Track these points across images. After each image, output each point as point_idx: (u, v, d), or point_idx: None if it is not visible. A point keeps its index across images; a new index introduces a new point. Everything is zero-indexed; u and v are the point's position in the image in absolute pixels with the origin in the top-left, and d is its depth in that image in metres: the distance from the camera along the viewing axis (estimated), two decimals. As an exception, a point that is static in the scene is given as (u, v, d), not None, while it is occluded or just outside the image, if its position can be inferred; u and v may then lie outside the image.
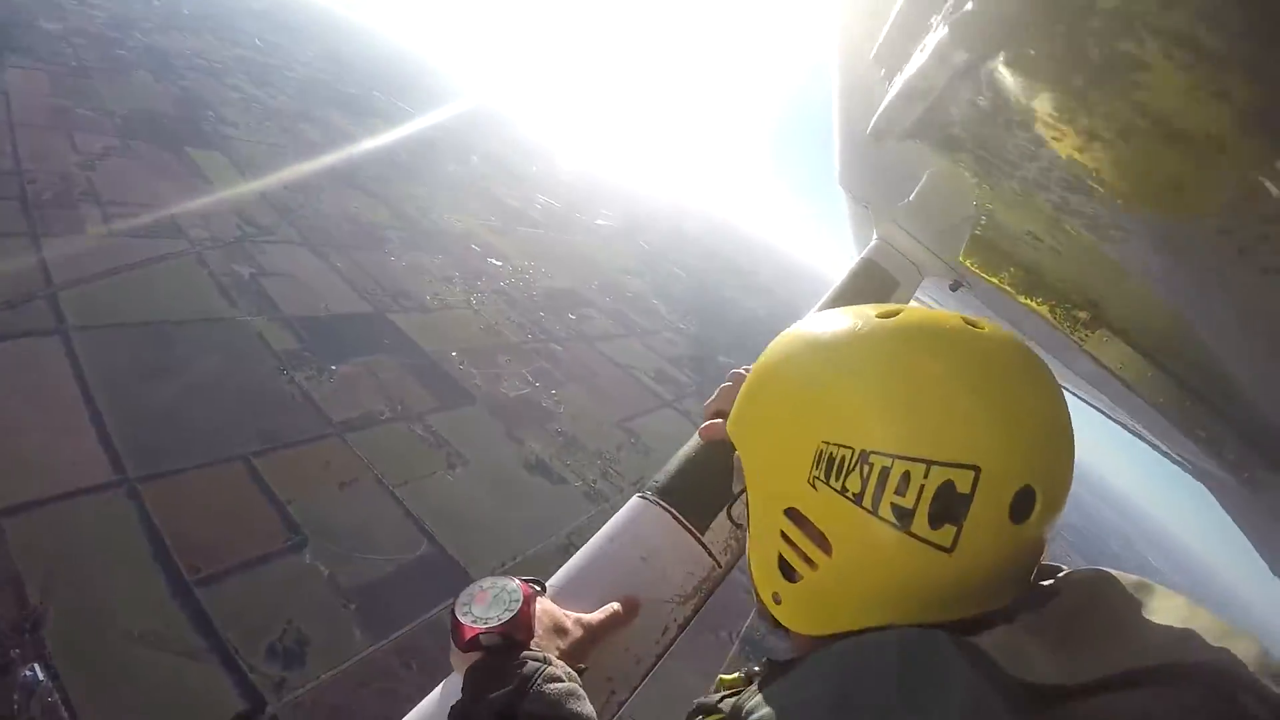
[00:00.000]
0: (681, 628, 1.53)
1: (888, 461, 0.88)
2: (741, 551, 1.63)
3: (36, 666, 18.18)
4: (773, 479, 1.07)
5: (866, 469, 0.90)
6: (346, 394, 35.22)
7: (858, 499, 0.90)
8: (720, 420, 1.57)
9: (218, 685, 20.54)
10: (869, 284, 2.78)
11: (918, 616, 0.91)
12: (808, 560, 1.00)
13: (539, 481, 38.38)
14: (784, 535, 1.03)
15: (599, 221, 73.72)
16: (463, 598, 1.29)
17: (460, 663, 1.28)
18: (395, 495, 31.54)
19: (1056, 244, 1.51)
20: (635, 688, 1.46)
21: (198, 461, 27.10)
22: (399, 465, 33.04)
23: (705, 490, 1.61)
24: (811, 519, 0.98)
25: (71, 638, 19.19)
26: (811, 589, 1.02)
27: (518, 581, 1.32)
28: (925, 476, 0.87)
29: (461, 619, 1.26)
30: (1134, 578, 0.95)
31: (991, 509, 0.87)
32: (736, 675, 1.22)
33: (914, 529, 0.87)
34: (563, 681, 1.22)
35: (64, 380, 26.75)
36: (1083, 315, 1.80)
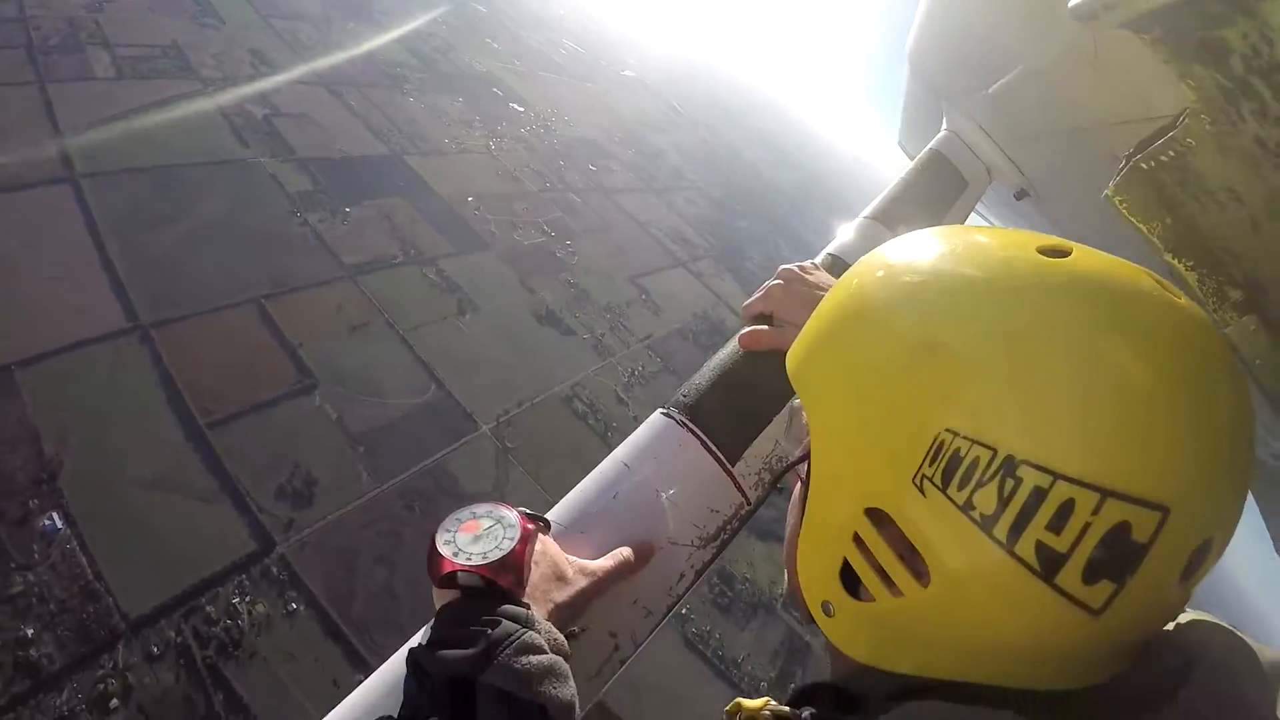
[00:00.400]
0: (699, 574, 1.30)
1: (1045, 480, 0.66)
2: (774, 486, 1.39)
3: (55, 515, 18.89)
4: (855, 462, 0.82)
5: (1010, 484, 0.67)
6: (359, 237, 35.15)
7: (986, 522, 0.68)
8: (764, 329, 1.42)
9: (229, 527, 21.44)
10: (938, 181, 2.44)
11: (1013, 680, 0.75)
12: (887, 581, 0.79)
13: (548, 331, 38.61)
14: (858, 540, 0.81)
15: (625, 72, 71.62)
16: (448, 523, 1.08)
17: (436, 599, 1.07)
18: (405, 340, 31.84)
19: (1259, 214, 1.22)
20: (641, 643, 1.24)
21: (210, 305, 27.35)
22: (410, 309, 33.20)
23: (741, 412, 1.37)
24: (906, 532, 0.75)
25: (88, 486, 19.94)
26: (884, 617, 0.81)
27: (517, 514, 1.12)
28: (1095, 512, 0.65)
29: (441, 549, 1.04)
30: (1271, 652, 0.78)
31: (1166, 565, 0.68)
32: (765, 700, 0.93)
33: (1061, 581, 0.67)
34: (542, 653, 0.98)
35: (74, 228, 26.77)
36: (1235, 295, 1.47)
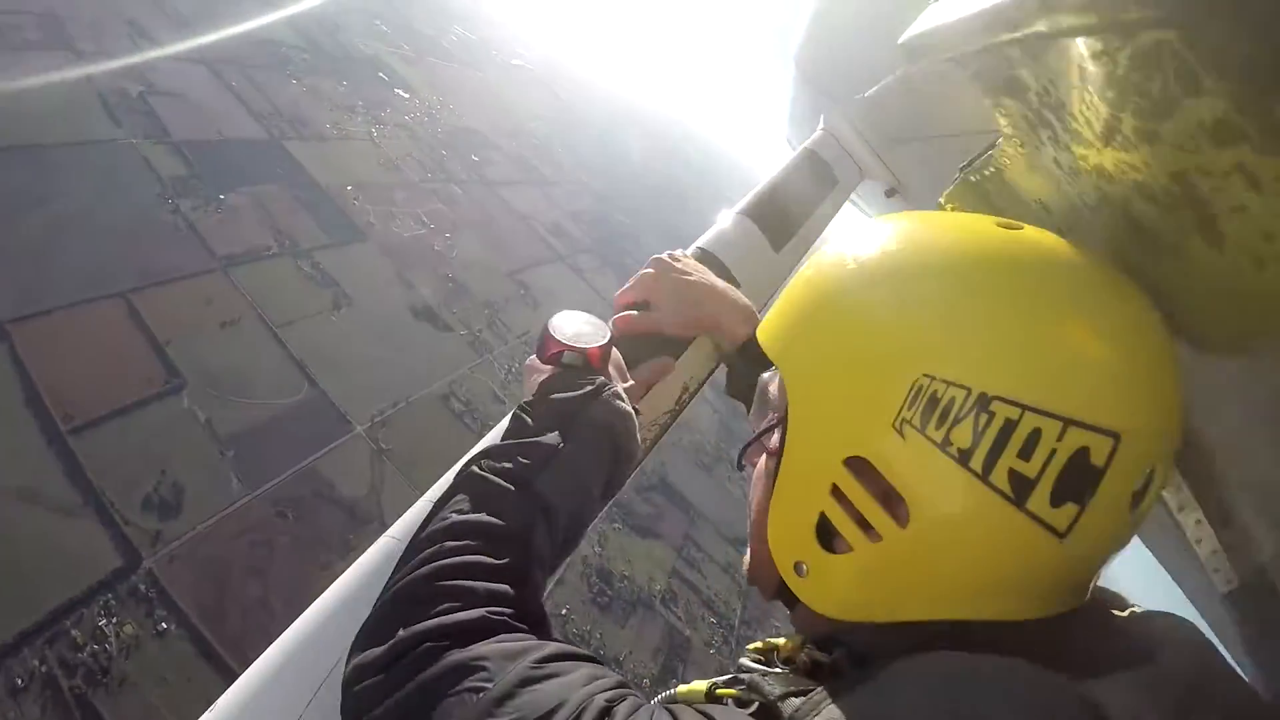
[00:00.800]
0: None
1: (1014, 413, 0.75)
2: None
3: (-99, 536, 16.86)
4: (836, 415, 0.90)
5: (984, 419, 0.76)
6: (233, 226, 33.29)
7: (964, 457, 0.77)
8: (637, 314, 1.65)
9: (94, 541, 20.24)
10: (810, 179, 2.53)
11: (984, 612, 0.82)
12: (866, 528, 0.86)
13: (424, 327, 37.73)
14: (836, 491, 0.89)
15: (515, 62, 70.95)
16: (557, 318, 1.40)
17: (535, 374, 1.38)
18: (278, 336, 30.59)
19: (1061, 225, 1.27)
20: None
21: (74, 299, 25.67)
22: (283, 304, 31.85)
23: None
24: (886, 475, 0.83)
25: None
26: (862, 565, 0.88)
27: (603, 322, 1.45)
28: (1060, 438, 0.74)
29: (553, 333, 1.37)
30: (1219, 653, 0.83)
31: (1119, 490, 0.78)
32: (758, 645, 1.05)
33: (1031, 505, 0.76)
34: (627, 404, 1.32)
35: (-77, 214, 23.82)
36: None
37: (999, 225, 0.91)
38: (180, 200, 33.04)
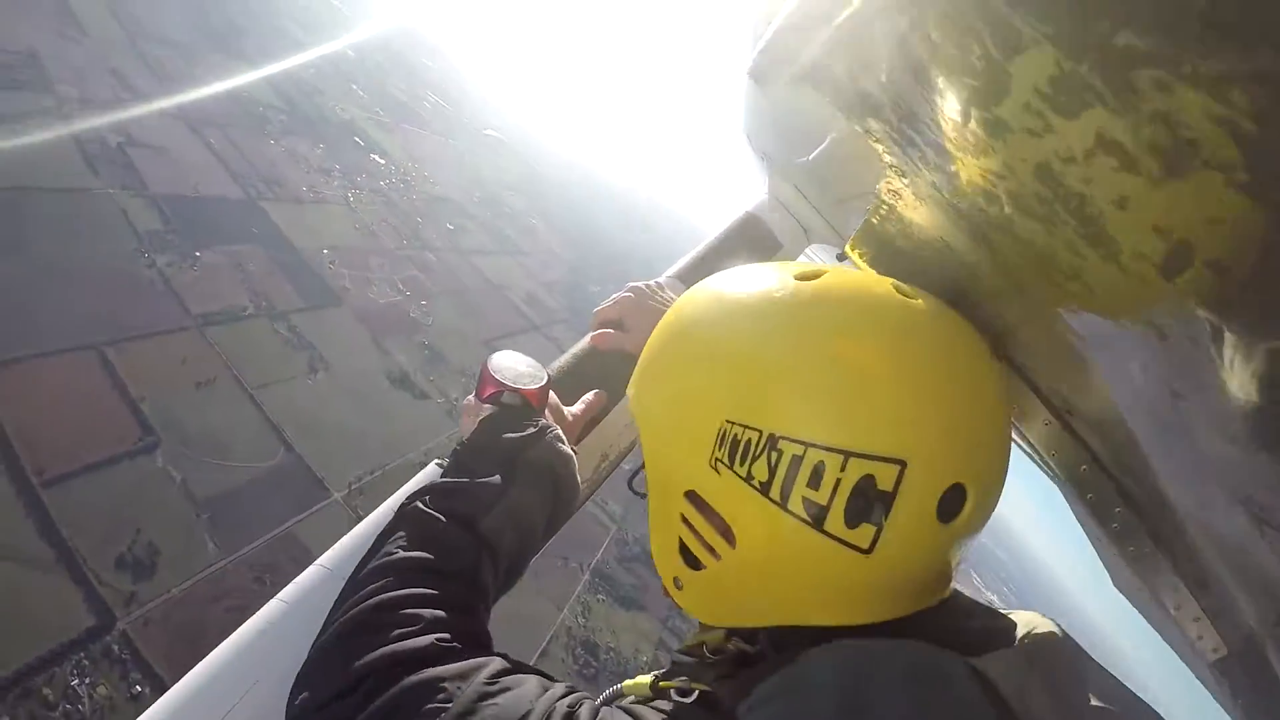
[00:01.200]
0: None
1: (799, 450, 0.82)
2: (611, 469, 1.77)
3: None
4: (672, 456, 1.01)
5: (774, 455, 0.84)
6: (209, 284, 33.05)
7: (764, 488, 0.85)
8: (612, 332, 1.71)
9: (67, 599, 19.76)
10: (748, 241, 2.44)
11: (837, 617, 0.90)
12: (710, 549, 0.94)
13: (401, 395, 37.73)
14: (685, 519, 0.98)
15: (488, 131, 71.80)
16: (495, 358, 1.41)
17: (474, 413, 1.38)
18: (254, 398, 30.33)
19: (979, 259, 1.17)
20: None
21: (48, 349, 25.32)
22: (259, 366, 31.64)
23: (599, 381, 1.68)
24: (713, 505, 0.93)
25: None
26: (716, 579, 0.97)
27: (537, 364, 1.47)
28: (842, 469, 0.81)
29: (493, 372, 1.38)
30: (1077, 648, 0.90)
31: (917, 508, 0.82)
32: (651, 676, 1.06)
33: (828, 527, 0.82)
34: (567, 446, 1.36)
35: (-104, 258, 23.79)
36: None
37: (801, 275, 0.96)
38: (156, 255, 32.44)
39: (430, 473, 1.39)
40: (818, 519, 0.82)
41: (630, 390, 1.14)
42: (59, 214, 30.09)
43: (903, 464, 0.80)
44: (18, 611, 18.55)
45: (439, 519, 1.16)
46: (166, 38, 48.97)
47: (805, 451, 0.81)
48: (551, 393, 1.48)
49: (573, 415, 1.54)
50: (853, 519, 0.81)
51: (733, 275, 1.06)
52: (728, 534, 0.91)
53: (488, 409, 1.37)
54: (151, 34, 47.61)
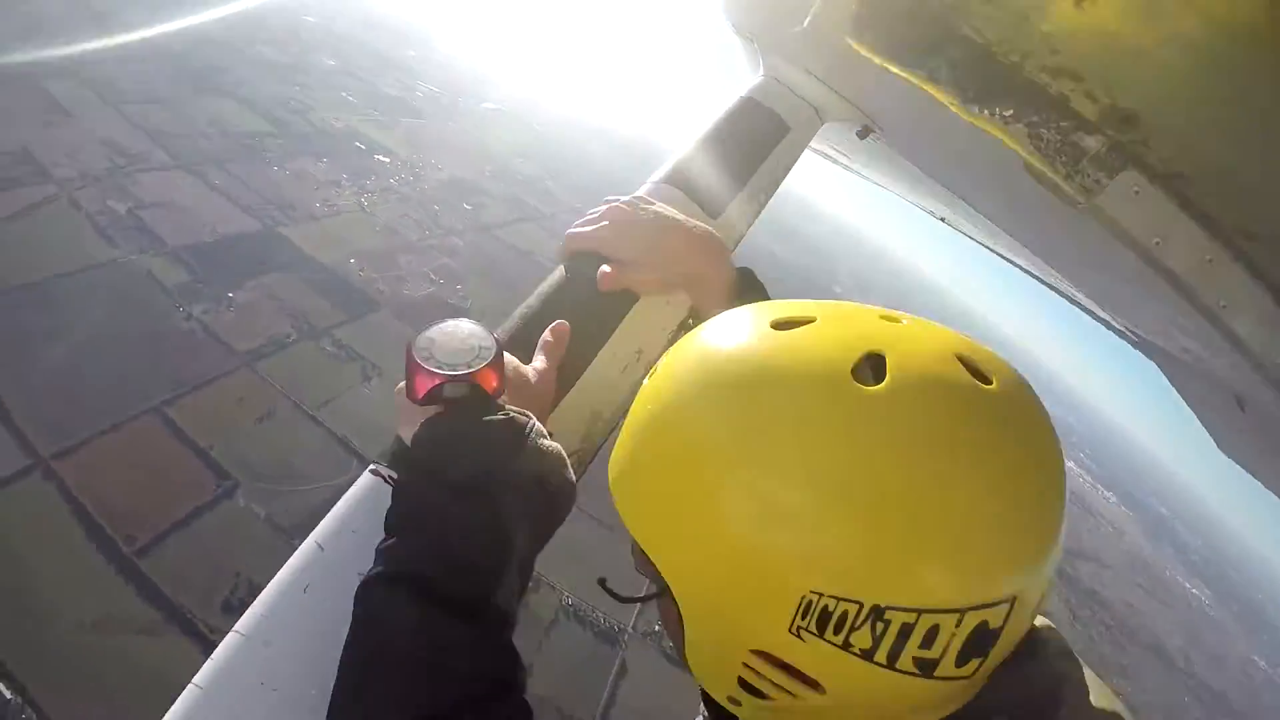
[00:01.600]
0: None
1: (910, 618, 0.74)
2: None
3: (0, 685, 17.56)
4: (726, 615, 0.84)
5: (880, 626, 0.75)
6: (248, 321, 32.93)
7: (866, 655, 0.77)
8: (618, 273, 1.40)
9: (183, 653, 19.44)
10: (751, 130, 2.01)
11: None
12: (784, 690, 0.84)
13: None
14: (749, 666, 0.85)
15: (486, 105, 71.36)
16: (420, 342, 1.04)
17: (411, 421, 1.03)
18: (315, 418, 30.28)
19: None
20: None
21: (110, 423, 25.21)
22: (314, 387, 31.33)
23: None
24: (795, 665, 0.82)
25: (23, 645, 18.24)
26: (788, 707, 0.87)
27: (481, 326, 1.10)
28: (958, 625, 0.75)
29: (423, 363, 1.01)
30: (1092, 680, 0.87)
31: (1018, 629, 0.79)
32: None
33: (938, 673, 0.77)
34: (550, 441, 1.03)
35: (-49, 369, 24.73)
36: (1093, 143, 1.07)
37: (859, 378, 0.77)
38: (191, 306, 32.18)
39: (371, 488, 1.08)
40: (927, 670, 0.77)
41: (649, 542, 0.90)
42: (89, 293, 29.64)
43: (1013, 600, 0.75)
44: (135, 677, 18.70)
45: (445, 625, 0.89)
46: (148, 95, 49.11)
47: (918, 619, 0.74)
48: (506, 354, 1.11)
49: (538, 373, 1.17)
50: (963, 660, 0.77)
51: (763, 380, 0.81)
52: (812, 684, 0.82)
53: (431, 409, 1.02)
54: (132, 96, 47.80)
